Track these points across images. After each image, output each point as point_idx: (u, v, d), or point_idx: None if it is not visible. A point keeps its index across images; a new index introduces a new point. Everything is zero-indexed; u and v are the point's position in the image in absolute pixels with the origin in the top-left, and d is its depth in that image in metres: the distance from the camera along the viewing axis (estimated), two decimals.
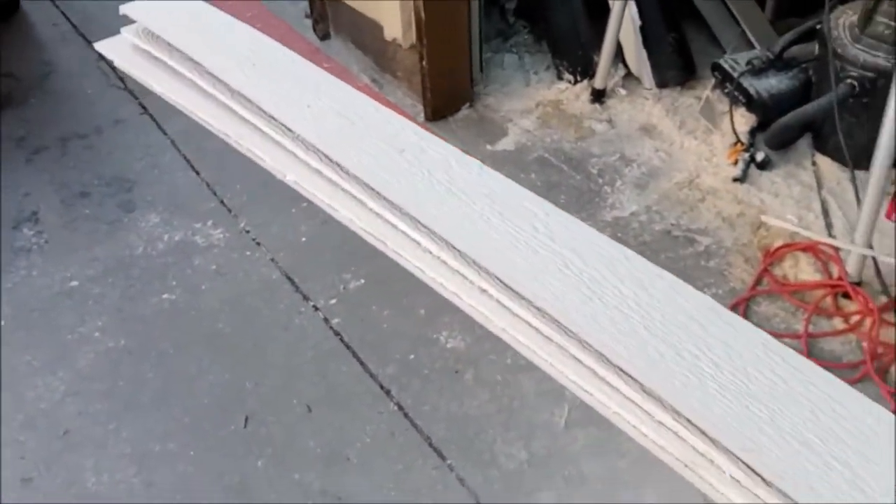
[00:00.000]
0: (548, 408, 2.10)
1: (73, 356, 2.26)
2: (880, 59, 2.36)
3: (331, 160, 1.09)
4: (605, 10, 2.85)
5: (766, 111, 2.61)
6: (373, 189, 1.03)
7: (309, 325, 2.33)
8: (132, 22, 1.37)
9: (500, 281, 0.88)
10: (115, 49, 1.39)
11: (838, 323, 2.22)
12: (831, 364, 2.09)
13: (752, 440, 0.67)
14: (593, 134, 2.90)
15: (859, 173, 2.41)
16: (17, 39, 3.49)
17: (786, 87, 2.63)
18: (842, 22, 2.50)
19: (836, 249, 2.32)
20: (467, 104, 3.00)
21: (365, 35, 3.07)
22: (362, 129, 1.13)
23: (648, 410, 0.73)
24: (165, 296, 2.42)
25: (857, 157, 2.37)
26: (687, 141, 2.80)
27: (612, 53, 2.88)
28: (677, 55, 2.97)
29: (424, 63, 2.79)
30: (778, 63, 2.66)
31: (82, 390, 2.18)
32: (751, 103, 2.63)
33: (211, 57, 1.28)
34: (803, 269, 2.34)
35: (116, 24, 1.36)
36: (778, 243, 2.40)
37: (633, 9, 2.87)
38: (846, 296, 2.25)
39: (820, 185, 2.58)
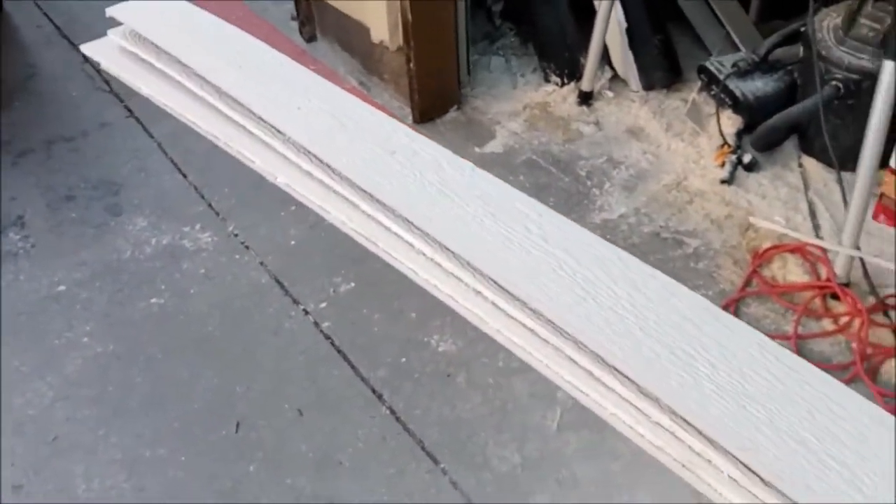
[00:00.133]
0: (540, 410, 2.10)
1: (61, 361, 2.24)
2: (864, 61, 2.38)
3: (322, 162, 1.08)
4: (591, 13, 2.86)
5: (752, 113, 2.63)
6: (365, 191, 1.03)
7: (299, 328, 2.32)
8: (118, 24, 1.36)
9: (495, 282, 0.88)
10: (102, 51, 1.38)
11: (827, 324, 2.24)
12: (821, 365, 2.09)
13: (749, 440, 0.67)
14: (581, 136, 2.91)
15: (845, 174, 2.42)
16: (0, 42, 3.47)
17: (771, 89, 2.65)
18: (826, 24, 2.52)
19: (824, 250, 2.34)
20: (455, 106, 3.00)
21: (352, 37, 3.07)
22: (353, 131, 1.12)
23: (645, 411, 0.73)
24: (154, 300, 2.41)
25: (844, 159, 2.39)
26: (674, 143, 2.81)
27: (599, 56, 2.89)
28: (663, 57, 2.98)
29: (412, 65, 2.79)
30: (763, 65, 2.67)
31: (71, 396, 2.16)
32: (737, 105, 2.64)
33: (199, 59, 1.27)
34: (792, 271, 2.35)
35: (101, 26, 1.35)
36: (766, 245, 2.41)
37: (619, 11, 2.88)
38: (835, 297, 2.26)
39: (807, 187, 2.59)
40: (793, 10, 2.74)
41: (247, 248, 2.55)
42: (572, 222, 0.97)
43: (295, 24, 3.34)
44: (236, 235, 2.59)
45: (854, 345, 2.14)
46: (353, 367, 2.21)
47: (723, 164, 2.65)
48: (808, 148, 2.68)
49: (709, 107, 2.78)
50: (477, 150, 2.88)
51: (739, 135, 2.68)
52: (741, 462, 0.66)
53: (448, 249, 0.94)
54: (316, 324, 2.32)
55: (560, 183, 2.74)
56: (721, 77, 2.66)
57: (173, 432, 2.08)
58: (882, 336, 2.17)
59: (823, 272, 2.30)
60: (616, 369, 0.76)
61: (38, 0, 3.68)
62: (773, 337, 0.76)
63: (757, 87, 2.65)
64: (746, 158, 2.64)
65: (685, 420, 0.70)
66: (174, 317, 2.36)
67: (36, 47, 3.45)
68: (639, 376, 0.74)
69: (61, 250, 2.56)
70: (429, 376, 2.19)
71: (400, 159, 1.08)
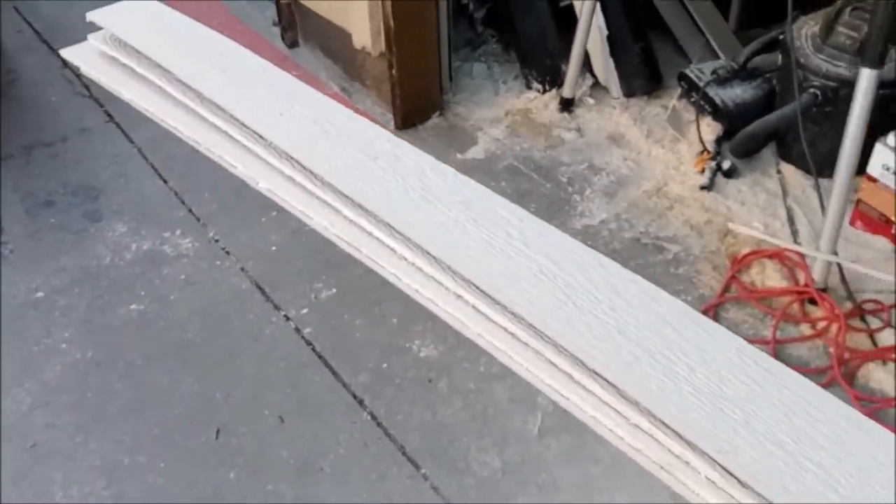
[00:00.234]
0: (521, 415, 2.10)
1: (40, 368, 2.22)
2: (842, 69, 2.41)
3: (304, 167, 1.09)
4: (572, 20, 2.88)
5: (731, 120, 2.65)
6: (347, 196, 1.03)
7: (280, 334, 2.32)
8: (98, 29, 1.35)
9: (476, 287, 0.88)
10: (82, 56, 1.38)
11: (805, 329, 2.26)
12: (799, 369, 2.11)
13: (727, 442, 0.68)
14: (562, 142, 2.92)
15: (823, 181, 2.45)
16: None
17: (750, 96, 2.67)
18: (804, 32, 2.55)
19: (802, 256, 2.36)
20: (437, 113, 3.01)
21: (334, 43, 3.07)
22: (336, 136, 1.13)
23: (624, 414, 0.73)
24: (134, 306, 2.39)
25: (821, 165, 2.41)
26: (654, 150, 2.84)
27: (580, 63, 2.91)
28: (644, 65, 3.00)
29: (394, 71, 2.80)
30: (742, 73, 2.70)
31: (50, 402, 2.15)
32: (716, 112, 2.66)
33: (180, 63, 1.27)
34: (770, 276, 2.37)
35: (81, 31, 1.35)
36: (745, 250, 2.43)
37: (600, 19, 2.90)
38: (812, 302, 2.28)
39: (785, 193, 2.62)
40: (772, 18, 2.77)
41: (227, 253, 2.54)
42: (553, 228, 0.98)
43: (277, 30, 3.34)
44: (217, 241, 2.58)
45: (831, 349, 2.16)
46: (334, 372, 2.21)
47: (702, 171, 2.67)
48: (786, 155, 2.70)
49: (689, 114, 2.80)
50: (459, 156, 2.89)
51: (719, 141, 2.70)
52: (719, 464, 0.67)
53: (429, 254, 0.95)
54: (297, 330, 2.32)
55: (541, 189, 2.76)
56: (701, 84, 2.68)
57: (153, 439, 2.07)
58: (859, 340, 2.20)
59: (801, 277, 2.33)
60: (596, 373, 0.77)
61: (18, 5, 3.66)
62: (751, 342, 0.77)
63: (736, 94, 2.67)
64: (726, 165, 2.66)
65: (664, 423, 0.71)
66: (154, 323, 2.35)
67: (16, 53, 3.43)
68: (618, 379, 0.75)
69: (40, 256, 2.54)
70: (410, 382, 2.19)
71: (382, 165, 1.08)
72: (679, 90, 2.82)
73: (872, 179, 2.37)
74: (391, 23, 2.70)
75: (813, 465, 0.66)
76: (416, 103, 2.94)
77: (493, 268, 0.90)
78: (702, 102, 2.68)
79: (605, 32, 2.92)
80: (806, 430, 0.68)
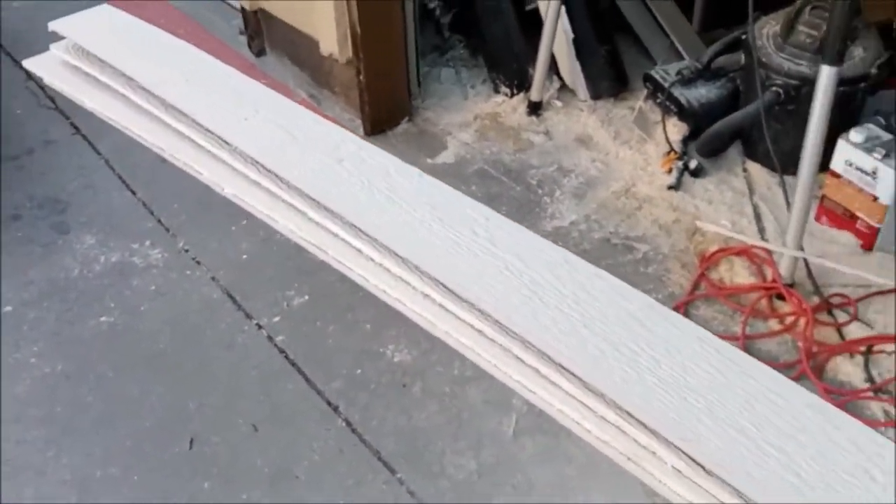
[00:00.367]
0: (496, 417, 2.11)
1: (10, 382, 2.19)
2: (803, 67, 2.45)
3: (270, 172, 1.09)
4: (538, 24, 2.90)
5: (696, 120, 2.68)
6: (313, 199, 1.03)
7: (252, 343, 2.31)
8: (60, 38, 1.34)
9: (443, 285, 0.89)
10: (45, 66, 1.37)
11: (774, 324, 2.29)
12: (769, 364, 2.14)
13: (691, 431, 0.69)
14: (531, 146, 2.94)
15: (788, 178, 2.48)
16: None
17: (715, 95, 2.71)
18: (766, 32, 2.59)
19: (769, 252, 2.39)
20: (406, 118, 3.01)
21: (301, 50, 3.07)
22: (302, 140, 1.13)
23: (591, 406, 0.74)
24: (104, 318, 2.37)
25: (786, 163, 2.45)
26: (622, 151, 2.86)
27: (547, 66, 2.93)
28: (610, 67, 3.03)
29: (361, 77, 2.80)
30: (706, 73, 2.73)
31: (20, 417, 2.12)
32: (682, 112, 2.69)
33: (144, 71, 1.26)
34: (738, 273, 2.40)
35: (44, 41, 1.33)
36: (713, 248, 2.46)
37: (565, 22, 2.92)
38: (780, 297, 2.31)
39: (751, 191, 2.65)
40: (734, 18, 2.81)
41: (198, 263, 2.52)
42: (519, 226, 0.98)
43: (244, 39, 3.33)
44: (187, 251, 2.56)
45: (800, 343, 2.19)
46: (307, 379, 2.20)
47: (670, 171, 2.69)
48: (751, 153, 2.74)
49: (655, 114, 2.83)
50: (429, 160, 2.89)
51: (685, 141, 2.73)
52: (684, 452, 0.68)
53: (396, 254, 0.95)
54: (269, 338, 2.31)
55: (512, 192, 2.77)
56: (666, 85, 2.71)
57: (125, 451, 2.05)
58: (827, 334, 2.23)
59: (769, 273, 2.36)
60: (562, 367, 0.77)
61: None
62: (721, 338, 0.78)
63: (701, 94, 2.70)
64: (692, 164, 2.69)
65: (629, 414, 0.71)
66: (124, 334, 2.33)
67: None
68: (584, 373, 0.76)
69: (8, 270, 2.51)
70: (384, 387, 2.19)
71: (348, 167, 1.08)
72: (645, 91, 2.85)
73: (836, 175, 2.41)
74: (358, 29, 2.71)
75: (775, 451, 0.67)
76: (384, 109, 2.94)
77: (460, 266, 0.90)
78: (667, 103, 2.71)
79: (571, 35, 2.95)
80: (768, 417, 0.69)
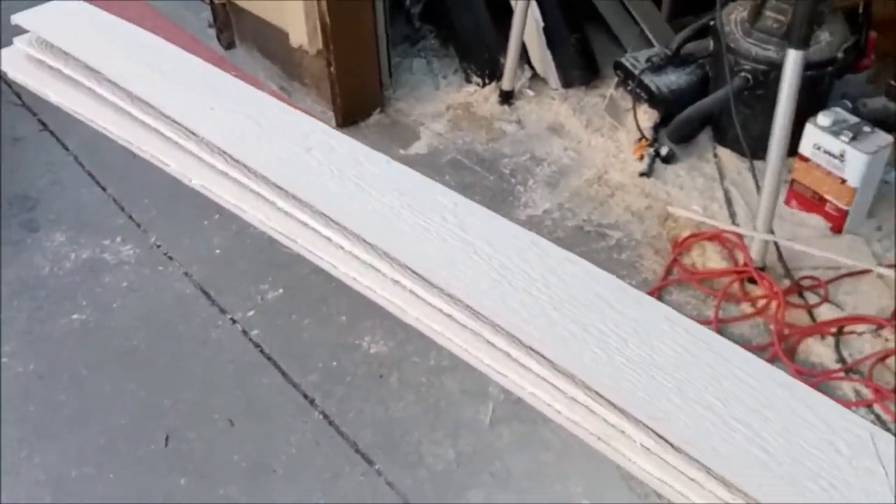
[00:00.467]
0: (473, 406, 2.11)
1: None
2: (771, 52, 2.47)
3: (238, 162, 1.08)
4: (508, 13, 2.90)
5: (667, 106, 2.70)
6: (281, 188, 1.03)
7: (227, 338, 2.29)
8: (24, 32, 1.33)
9: (413, 271, 0.89)
10: (8, 60, 1.35)
11: (746, 307, 2.31)
12: (742, 347, 2.16)
13: (659, 409, 0.69)
14: (504, 135, 2.94)
15: (758, 163, 2.50)
16: None
17: (684, 82, 2.72)
18: (733, 18, 2.60)
19: (740, 237, 2.41)
20: (378, 109, 3.00)
21: (270, 43, 3.04)
22: (269, 129, 1.12)
23: (561, 388, 0.74)
24: (76, 316, 2.34)
25: (755, 148, 2.46)
26: (594, 139, 2.87)
27: (518, 55, 2.93)
28: (581, 55, 3.04)
29: (332, 69, 2.78)
30: (676, 60, 2.75)
31: None
32: (652, 99, 2.71)
33: (109, 63, 1.25)
34: (710, 258, 2.42)
35: (7, 36, 1.32)
36: (685, 234, 2.48)
37: (535, 11, 2.92)
38: (752, 281, 2.33)
39: (722, 176, 2.67)
40: (702, 5, 2.82)
41: (170, 258, 2.50)
42: (489, 211, 0.99)
43: (213, 32, 3.30)
44: (159, 246, 2.54)
45: (772, 326, 2.21)
46: (283, 373, 2.19)
47: (641, 158, 2.71)
48: (721, 138, 2.76)
49: (626, 102, 2.84)
50: (402, 151, 2.89)
51: (656, 128, 2.74)
52: (652, 430, 0.69)
53: (366, 242, 0.95)
54: (244, 332, 2.29)
55: (485, 181, 2.77)
56: (636, 72, 2.72)
57: (100, 449, 2.04)
58: (798, 316, 2.25)
59: (740, 258, 2.38)
60: (532, 349, 0.78)
61: None
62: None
63: (671, 80, 2.72)
64: (664, 151, 2.70)
65: (599, 394, 0.72)
66: (97, 332, 2.31)
67: None
68: (554, 354, 0.76)
69: None
70: (361, 378, 2.19)
71: (317, 156, 1.08)
72: (616, 79, 2.86)
73: (804, 159, 2.43)
74: (327, 20, 2.69)
75: (742, 426, 0.68)
76: (356, 100, 2.93)
77: (429, 252, 0.90)
78: (638, 90, 2.73)
79: (541, 24, 2.95)
80: (735, 393, 0.70)
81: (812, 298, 2.29)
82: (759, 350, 2.18)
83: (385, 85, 3.04)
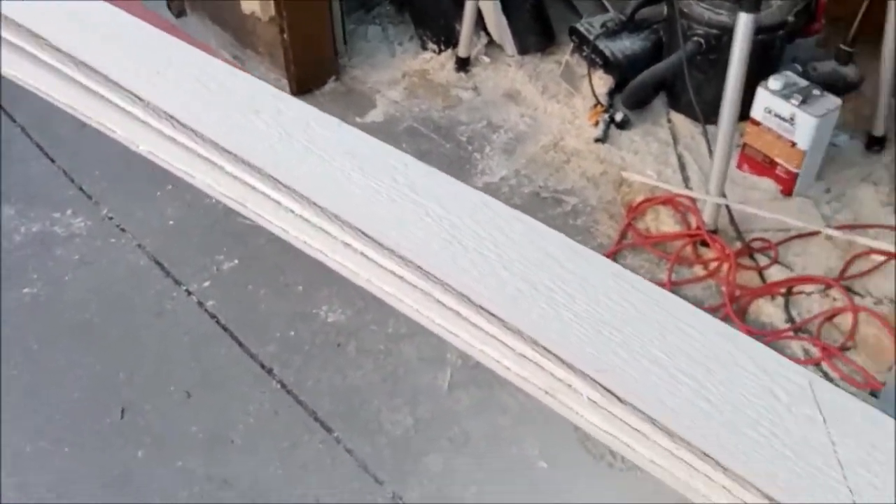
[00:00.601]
0: (431, 372, 2.13)
1: None
2: (723, 16, 2.48)
3: (185, 126, 1.06)
4: None
5: (621, 72, 2.71)
6: (230, 152, 1.01)
7: (182, 309, 2.27)
8: None
9: (363, 233, 0.88)
10: None
11: (699, 270, 2.34)
12: None
13: (605, 362, 0.70)
14: (460, 102, 2.94)
15: (711, 128, 2.52)
16: None
17: (639, 47, 2.73)
18: None
19: (693, 200, 2.44)
20: (333, 77, 2.97)
21: (222, 10, 2.99)
22: (217, 93, 1.10)
23: (510, 344, 0.75)
24: (26, 290, 2.31)
25: (708, 113, 2.48)
26: (550, 105, 2.87)
27: (473, 22, 2.91)
28: (536, 22, 3.03)
29: (285, 36, 2.75)
30: (630, 25, 2.76)
31: None
32: (607, 65, 2.72)
33: (52, 28, 1.22)
34: (664, 222, 2.45)
35: None
36: (639, 198, 2.50)
37: None
38: (704, 244, 2.37)
39: (676, 141, 2.70)
40: None
41: (123, 230, 2.47)
42: (440, 172, 0.98)
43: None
44: (111, 218, 2.50)
45: (723, 288, 2.25)
46: (240, 344, 2.18)
47: (596, 124, 2.72)
48: (675, 104, 2.78)
49: (582, 68, 2.85)
50: (358, 119, 2.87)
51: (611, 94, 2.75)
52: (599, 383, 0.70)
53: (316, 205, 0.94)
54: (200, 303, 2.28)
55: (442, 149, 2.77)
56: (591, 38, 2.73)
57: (55, 424, 2.02)
58: (749, 278, 2.29)
59: (693, 221, 2.41)
60: (482, 307, 0.78)
61: None
62: None
63: (625, 46, 2.73)
64: (619, 117, 2.72)
65: (546, 349, 0.73)
66: (49, 305, 2.27)
67: None
68: (503, 311, 0.76)
69: None
70: (319, 347, 2.19)
71: (265, 119, 1.06)
72: (571, 45, 2.86)
73: (756, 123, 2.46)
74: None
75: (687, 378, 0.69)
76: (310, 68, 2.90)
77: (380, 213, 0.90)
78: (593, 56, 2.73)
79: None
80: (679, 346, 0.71)
81: (763, 260, 2.34)
82: (711, 311, 2.20)
83: (340, 52, 3.01)
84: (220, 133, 1.05)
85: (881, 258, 2.28)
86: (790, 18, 2.53)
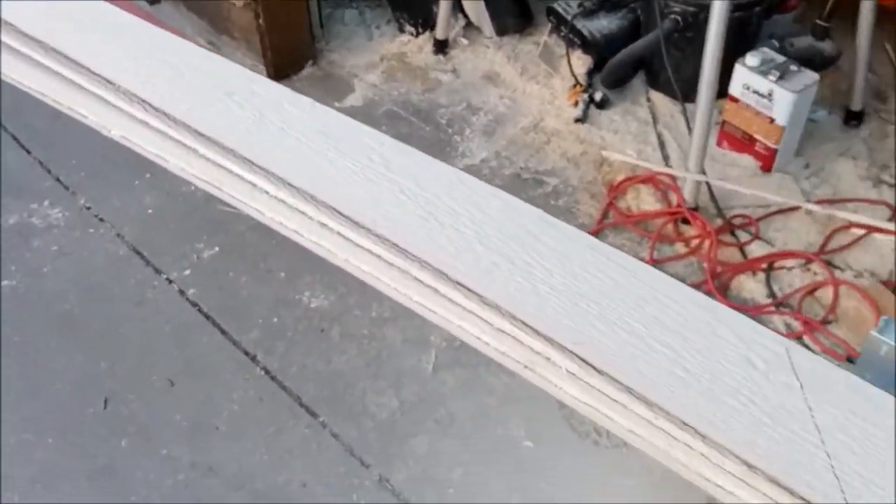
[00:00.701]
0: (415, 354, 2.12)
1: None
2: None
3: (157, 110, 1.05)
4: None
5: (599, 51, 2.70)
6: (203, 135, 1.00)
7: (163, 298, 2.26)
8: None
9: (339, 213, 0.88)
10: None
11: (680, 247, 2.35)
12: None
13: (583, 334, 0.70)
14: (440, 85, 2.92)
15: (690, 105, 2.53)
16: None
17: (616, 26, 2.73)
18: None
19: (674, 178, 2.45)
20: (310, 62, 2.95)
21: None
22: (189, 75, 1.09)
23: (488, 319, 0.75)
24: (5, 282, 2.29)
25: (687, 90, 2.49)
26: (529, 86, 2.87)
27: (451, 4, 2.90)
28: (514, 3, 3.02)
29: (261, 21, 2.72)
30: (608, 4, 2.75)
31: None
32: (585, 44, 2.71)
33: (22, 15, 1.20)
34: (645, 200, 2.45)
35: None
36: (620, 178, 2.50)
37: None
38: (685, 221, 2.38)
39: (655, 120, 2.70)
40: None
41: (101, 220, 2.45)
42: (415, 150, 0.98)
43: None
44: (89, 208, 2.48)
45: (705, 264, 2.26)
46: (223, 331, 2.17)
47: (576, 104, 2.72)
48: (654, 82, 2.78)
49: (560, 49, 2.84)
50: (337, 104, 2.85)
51: (590, 74, 2.75)
52: (577, 355, 0.70)
53: (292, 185, 0.93)
54: (181, 292, 2.26)
55: (421, 132, 2.76)
56: (569, 18, 2.72)
57: (38, 415, 2.00)
58: (730, 254, 2.30)
59: (674, 199, 2.41)
60: (459, 283, 0.78)
61: None
62: None
63: (603, 25, 2.72)
64: (598, 96, 2.72)
65: (524, 322, 0.73)
66: (28, 297, 2.25)
67: None
68: (480, 287, 0.76)
69: None
70: (302, 333, 2.18)
71: (238, 100, 1.05)
72: (549, 26, 2.85)
73: (734, 100, 2.47)
74: None
75: (664, 348, 0.69)
76: (287, 53, 2.87)
77: (356, 192, 0.89)
78: (571, 36, 2.72)
79: None
80: (656, 316, 0.71)
81: (743, 236, 2.35)
82: (693, 288, 2.22)
83: (317, 37, 2.99)
84: (194, 116, 1.04)
85: (861, 232, 2.30)
86: None
